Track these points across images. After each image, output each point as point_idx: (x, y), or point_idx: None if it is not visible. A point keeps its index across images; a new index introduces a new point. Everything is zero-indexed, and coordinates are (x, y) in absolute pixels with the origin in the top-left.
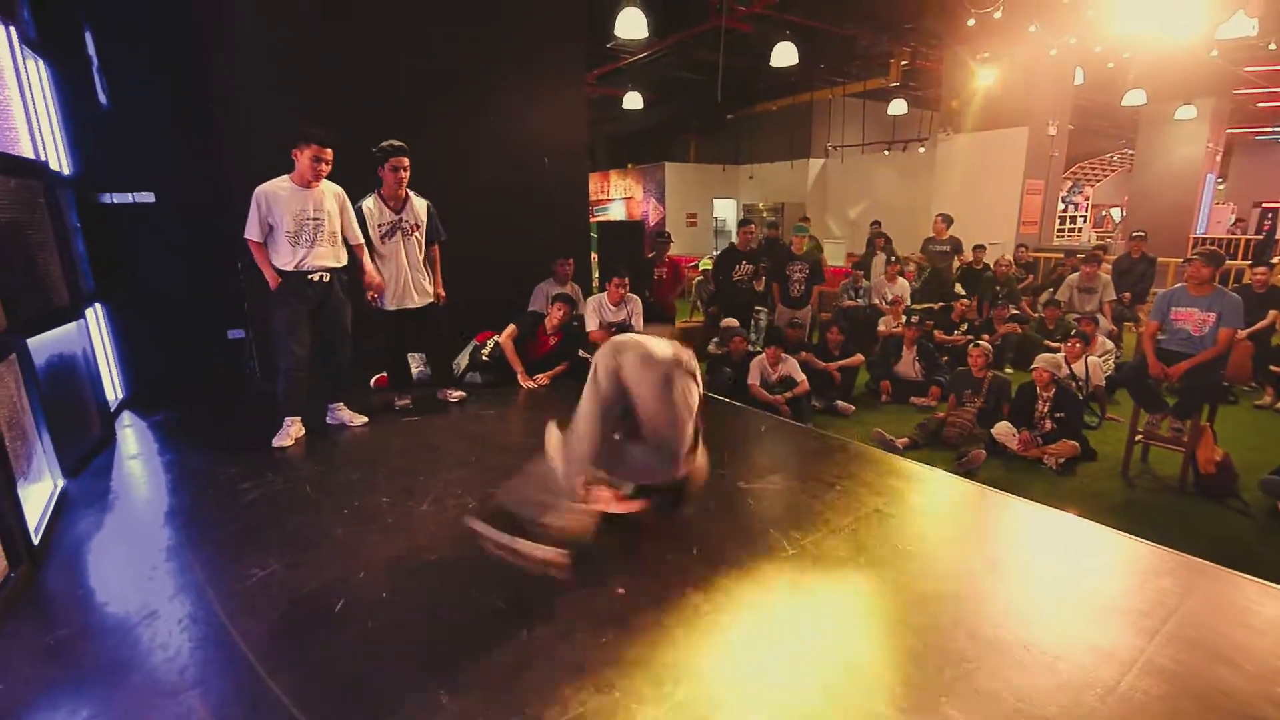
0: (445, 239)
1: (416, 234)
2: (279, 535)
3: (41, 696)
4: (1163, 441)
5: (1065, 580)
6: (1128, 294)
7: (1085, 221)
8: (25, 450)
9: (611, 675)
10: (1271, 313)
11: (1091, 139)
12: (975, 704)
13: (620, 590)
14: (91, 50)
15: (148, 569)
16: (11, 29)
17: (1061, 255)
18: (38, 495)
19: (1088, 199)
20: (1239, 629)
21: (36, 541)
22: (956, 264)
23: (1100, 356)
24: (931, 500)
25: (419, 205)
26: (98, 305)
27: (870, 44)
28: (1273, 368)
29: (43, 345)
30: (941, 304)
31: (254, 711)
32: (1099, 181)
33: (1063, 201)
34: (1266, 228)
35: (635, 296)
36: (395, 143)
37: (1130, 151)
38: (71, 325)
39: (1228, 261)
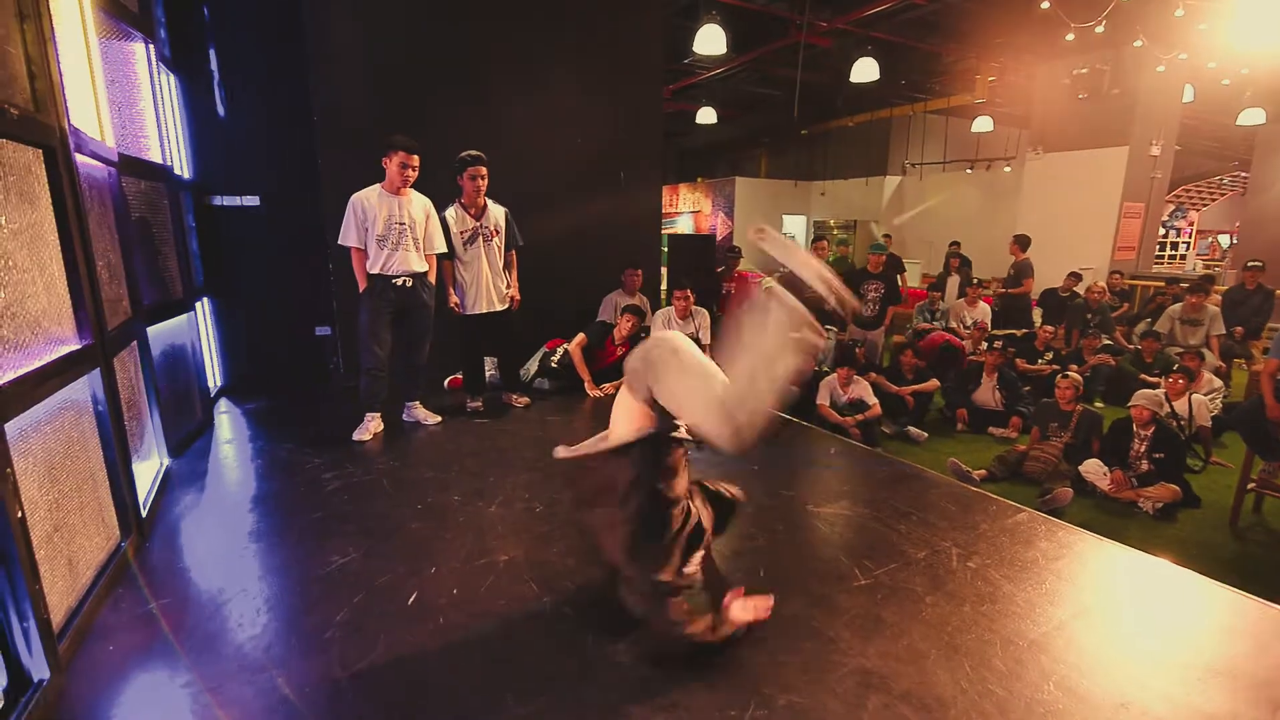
0: (523, 244)
1: (496, 240)
2: (357, 525)
3: (145, 659)
4: (1279, 491)
5: (1166, 636)
6: (1240, 328)
7: (1189, 248)
8: (139, 430)
9: (675, 693)
10: None
11: (1199, 160)
12: None
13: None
14: (214, 65)
15: (239, 548)
16: (150, 47)
17: (1162, 283)
18: (146, 472)
19: (1192, 224)
20: None
21: (144, 515)
22: (1023, 289)
23: (1206, 394)
24: (1013, 537)
25: (497, 212)
26: (205, 299)
27: (955, 60)
28: None
29: (158, 334)
30: (1025, 331)
31: (332, 699)
32: (1205, 206)
33: (1164, 227)
34: None
35: (703, 310)
36: (474, 153)
37: (1243, 174)
38: (183, 317)
39: None
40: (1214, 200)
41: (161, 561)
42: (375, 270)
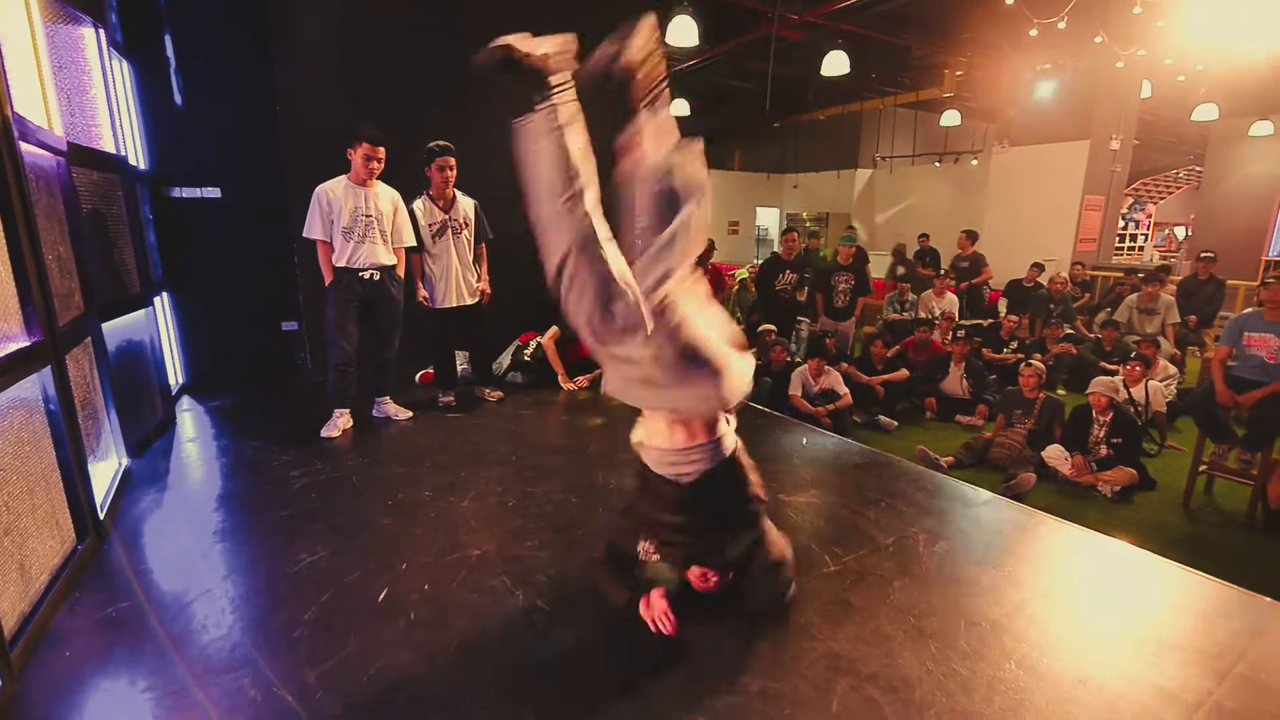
0: (493, 237)
1: (466, 232)
2: (326, 523)
3: (104, 665)
4: (1230, 473)
5: (1123, 614)
6: (1193, 317)
7: (1147, 240)
8: (95, 429)
9: (648, 681)
10: None
11: (1156, 154)
12: None
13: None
14: (170, 52)
15: (204, 548)
16: (101, 32)
17: (1121, 274)
18: (104, 473)
19: (1150, 217)
20: None
21: (102, 516)
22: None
23: (1162, 381)
24: (979, 522)
25: (466, 204)
26: (164, 294)
27: (924, 54)
28: None
29: (114, 330)
30: (990, 321)
31: (300, 697)
32: (1162, 199)
33: (1123, 219)
34: None
35: None
36: (441, 143)
37: (1198, 168)
38: (141, 312)
39: None
40: (1171, 193)
41: (121, 564)
42: (342, 263)
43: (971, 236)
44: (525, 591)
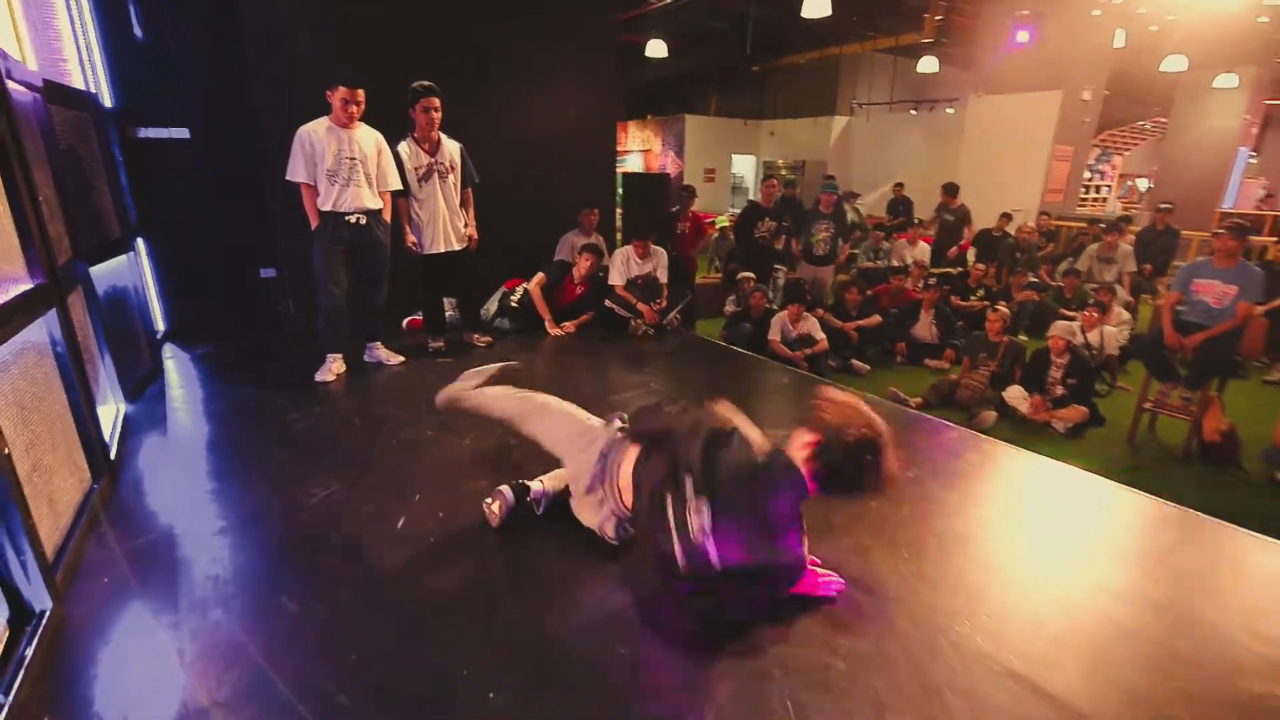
0: (479, 181)
1: (452, 176)
2: (334, 461)
3: (139, 590)
4: (1171, 410)
5: (1070, 526)
6: (1148, 266)
7: (1110, 191)
8: (93, 374)
9: (652, 586)
10: None
11: (1124, 105)
12: (987, 625)
13: None
14: None
15: (216, 487)
16: None
17: (1085, 224)
18: (106, 416)
19: (1115, 168)
20: (1228, 574)
21: (112, 457)
22: (966, 233)
23: (1116, 326)
24: (945, 451)
25: (452, 147)
26: (140, 239)
27: None
28: None
29: (100, 275)
30: (960, 269)
31: (337, 609)
32: (1129, 150)
33: (1089, 170)
34: None
35: (661, 250)
36: (425, 83)
37: (1163, 120)
38: (123, 257)
39: (1253, 238)
40: (1136, 145)
41: (139, 502)
42: (327, 207)
43: (951, 191)
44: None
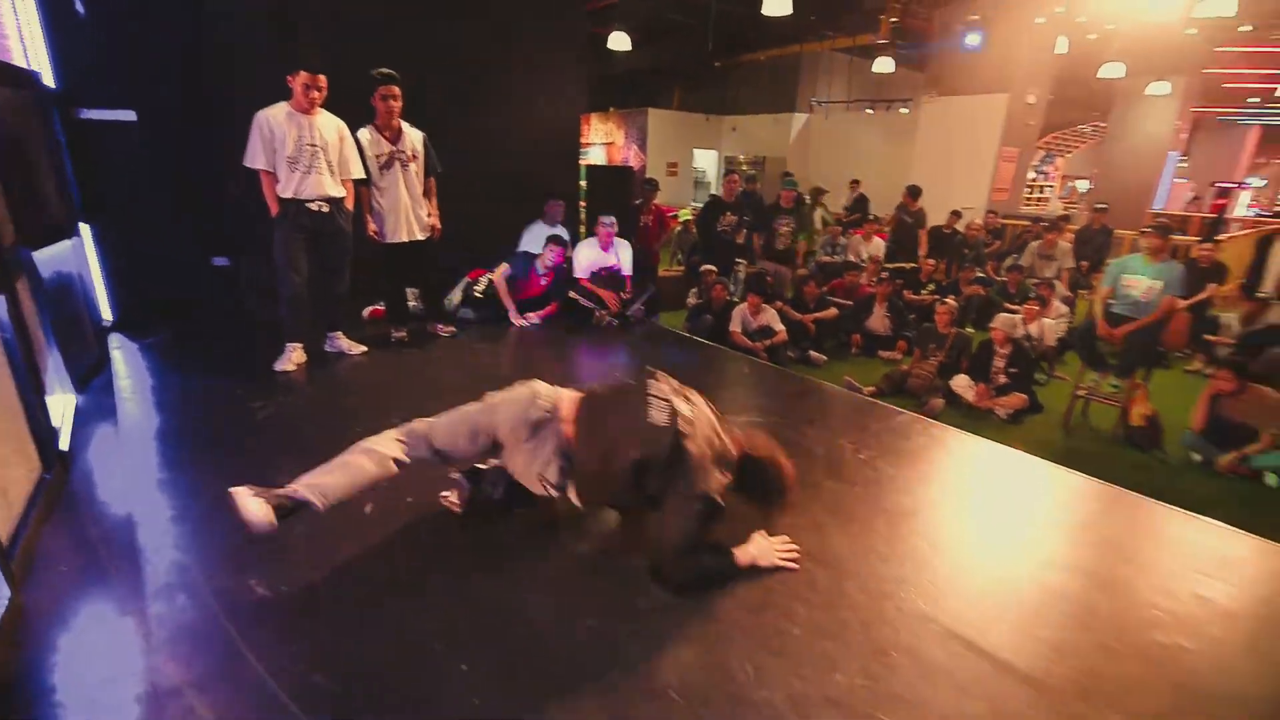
0: (442, 171)
1: (414, 165)
2: (299, 448)
3: (97, 578)
4: (1102, 398)
5: (1008, 501)
6: (1085, 263)
7: (1053, 191)
8: (41, 363)
9: (619, 561)
10: (1210, 286)
11: (1068, 109)
12: (930, 591)
13: None
14: None
15: (175, 476)
16: None
17: (1029, 223)
18: (55, 406)
19: (1058, 169)
20: (1145, 541)
21: (63, 448)
22: (921, 236)
23: (1055, 319)
24: (895, 434)
25: (414, 136)
26: (84, 225)
27: None
28: (1206, 337)
29: (43, 262)
30: (912, 265)
31: (307, 592)
32: (1071, 152)
33: (1035, 171)
34: (1219, 206)
35: (625, 242)
36: (384, 71)
37: (1103, 124)
38: (66, 243)
39: (1180, 238)
40: (1077, 148)
41: (93, 492)
42: (287, 195)
43: (914, 192)
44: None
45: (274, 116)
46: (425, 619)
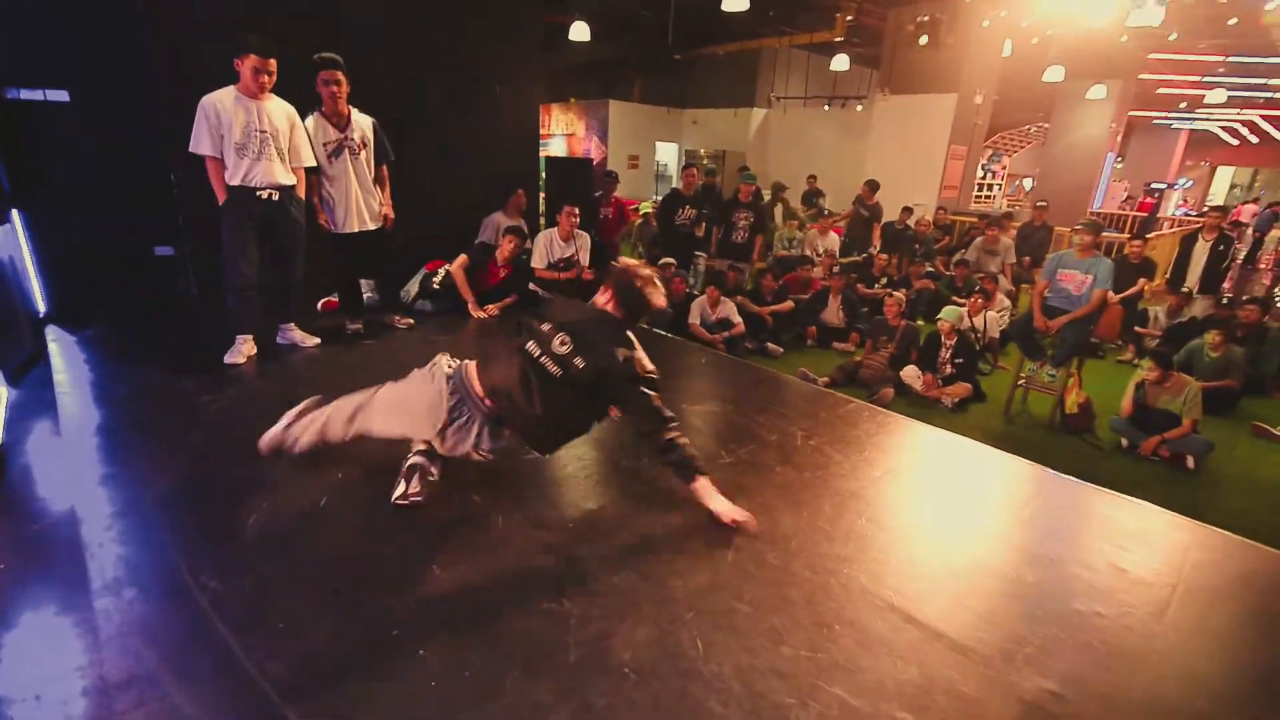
0: (394, 159)
1: (364, 153)
2: (248, 443)
3: (40, 574)
4: (1040, 387)
5: (951, 484)
6: (1027, 258)
7: (999, 189)
8: None
9: (577, 548)
10: (1140, 280)
11: (1013, 110)
12: (873, 568)
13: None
14: None
15: (118, 470)
16: None
17: (976, 219)
18: None
19: (1005, 168)
20: (1072, 518)
21: None
22: (874, 230)
23: (998, 312)
24: (844, 422)
25: (364, 122)
26: (14, 212)
27: None
28: (1136, 329)
29: None
30: (864, 256)
31: (259, 588)
32: (1017, 152)
33: (983, 169)
34: (1150, 204)
35: (585, 234)
36: (325, 55)
37: (1046, 125)
38: (1, 230)
39: (1116, 234)
40: (1023, 148)
41: (31, 489)
42: (236, 182)
43: (873, 187)
44: (460, 491)
45: (221, 101)
46: (381, 606)
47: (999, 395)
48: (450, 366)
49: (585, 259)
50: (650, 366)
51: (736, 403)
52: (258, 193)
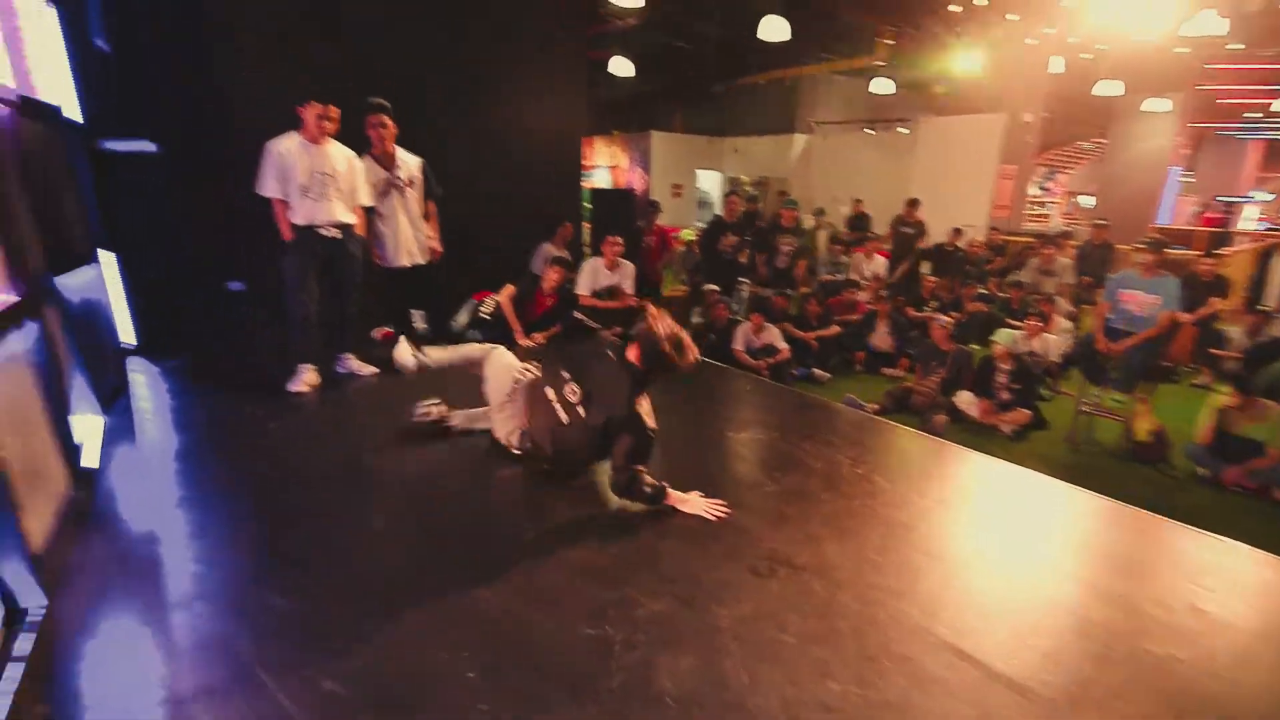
0: (441, 194)
1: (411, 190)
2: (311, 467)
3: (124, 589)
4: (1105, 413)
5: (1009, 515)
6: (1087, 278)
7: (1056, 207)
8: (68, 385)
9: (621, 572)
10: (1213, 300)
11: (1067, 126)
12: (925, 601)
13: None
14: None
15: (193, 493)
16: None
17: (1031, 240)
18: (80, 427)
19: (1061, 185)
20: (1145, 553)
21: (88, 466)
22: (919, 246)
23: (1058, 335)
24: (893, 449)
25: (411, 161)
26: (104, 252)
27: (857, 21)
28: (1211, 350)
29: (66, 288)
30: (902, 273)
31: (317, 612)
32: (1072, 169)
33: (1037, 187)
34: (1215, 219)
35: (629, 263)
36: (374, 100)
37: (1103, 140)
38: (89, 270)
39: (1185, 252)
40: (1079, 164)
41: (117, 509)
42: (300, 222)
43: (914, 203)
44: (505, 513)
45: (286, 147)
46: (432, 628)
47: (1063, 422)
48: (527, 375)
49: (630, 287)
50: (652, 424)
51: (781, 429)
52: (320, 231)
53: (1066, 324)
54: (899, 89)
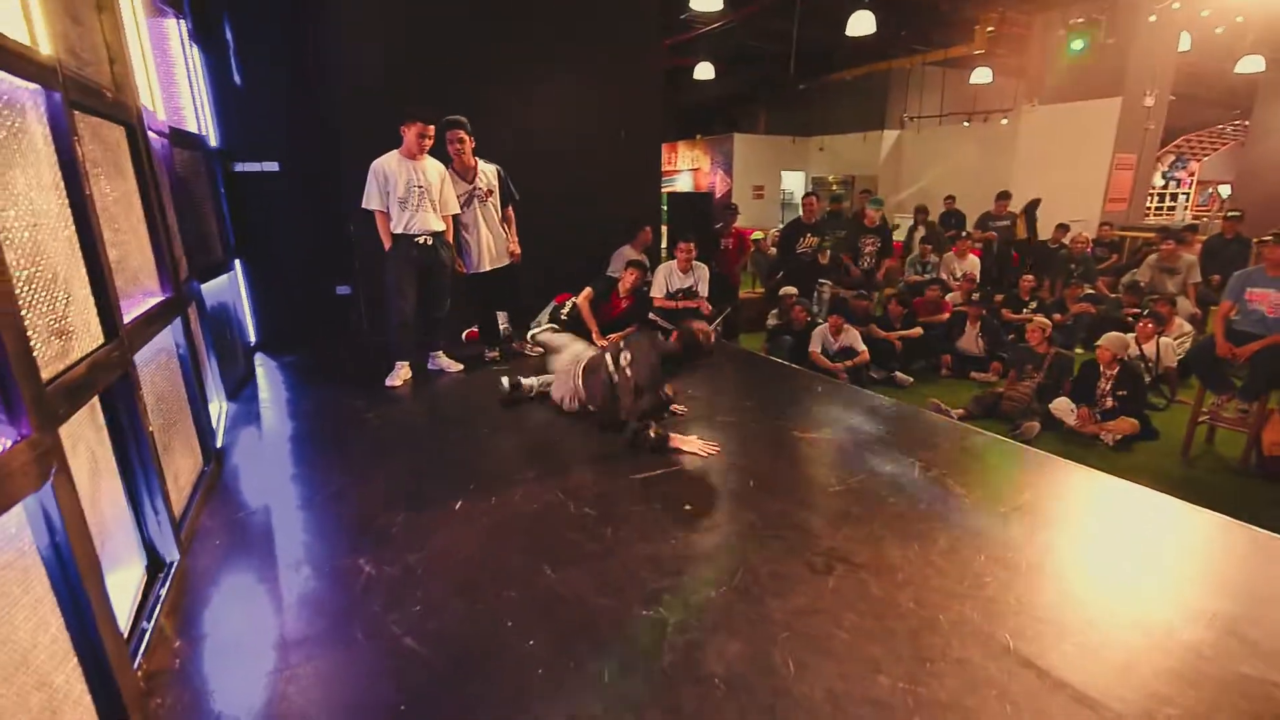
0: (519, 199)
1: (491, 199)
2: (403, 453)
3: (246, 549)
4: (1227, 422)
5: (1094, 526)
6: (1216, 276)
7: (1188, 199)
8: (204, 375)
9: (679, 564)
10: None
11: (1201, 108)
12: (989, 606)
13: (687, 506)
14: (229, 36)
15: (303, 471)
16: (181, 23)
17: (1153, 235)
18: (213, 411)
19: (1193, 175)
20: (1258, 576)
21: (219, 445)
22: (1017, 235)
23: (1175, 339)
24: (970, 454)
25: (489, 171)
26: (237, 260)
27: (953, 10)
28: None
29: (207, 292)
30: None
31: (405, 572)
32: (1208, 155)
33: (1164, 177)
34: None
35: (703, 265)
36: (451, 118)
37: (1245, 123)
38: (225, 276)
39: None
40: (1215, 150)
41: (240, 483)
42: (399, 230)
43: (1005, 197)
44: (575, 502)
45: (387, 165)
46: (500, 599)
47: (1177, 433)
48: (590, 351)
49: (704, 290)
50: (670, 394)
51: (851, 431)
52: (416, 239)
53: (1186, 326)
54: (998, 77)
